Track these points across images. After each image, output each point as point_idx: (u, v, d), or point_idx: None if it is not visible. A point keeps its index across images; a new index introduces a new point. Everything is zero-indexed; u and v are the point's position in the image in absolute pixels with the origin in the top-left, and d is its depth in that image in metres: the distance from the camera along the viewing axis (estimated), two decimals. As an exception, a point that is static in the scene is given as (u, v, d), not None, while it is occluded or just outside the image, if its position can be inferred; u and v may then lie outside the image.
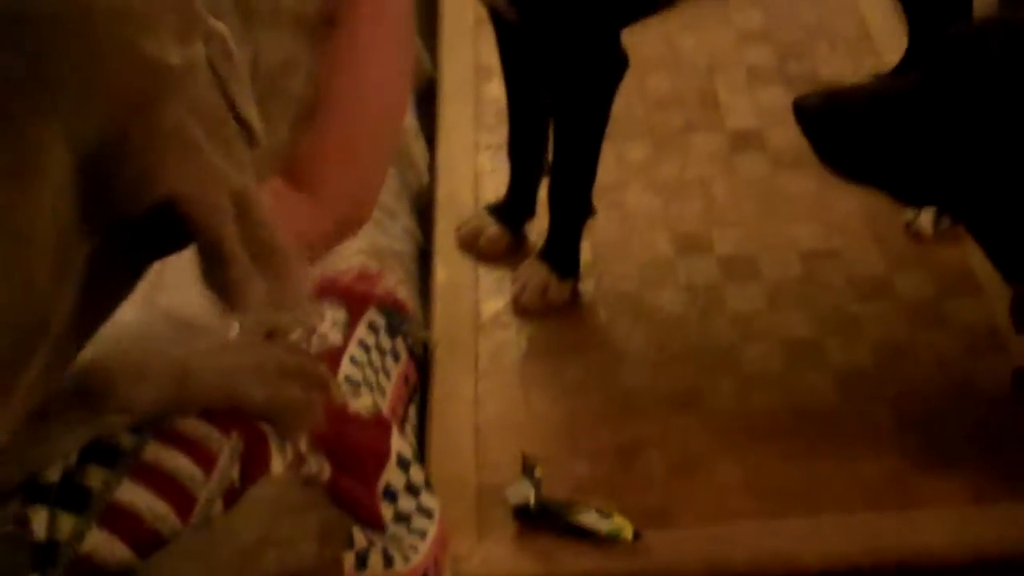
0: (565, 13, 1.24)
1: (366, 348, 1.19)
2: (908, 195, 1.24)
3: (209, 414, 0.87)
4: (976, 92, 1.06)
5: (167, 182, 0.52)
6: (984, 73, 1.08)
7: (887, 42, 1.79)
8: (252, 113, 0.60)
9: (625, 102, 1.47)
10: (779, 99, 1.73)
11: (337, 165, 0.87)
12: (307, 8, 0.68)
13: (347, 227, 0.92)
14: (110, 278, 0.57)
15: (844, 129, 1.21)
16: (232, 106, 0.58)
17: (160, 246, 0.57)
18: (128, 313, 0.64)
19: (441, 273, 1.53)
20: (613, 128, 1.42)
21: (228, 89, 0.58)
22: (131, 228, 0.53)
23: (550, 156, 1.45)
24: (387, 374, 1.22)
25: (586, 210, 1.44)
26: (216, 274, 0.53)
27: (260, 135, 0.60)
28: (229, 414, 0.88)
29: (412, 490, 1.03)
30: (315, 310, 1.10)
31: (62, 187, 0.51)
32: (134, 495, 0.82)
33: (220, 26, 0.58)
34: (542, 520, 1.17)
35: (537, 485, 1.17)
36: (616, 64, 1.32)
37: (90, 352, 0.63)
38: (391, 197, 1.53)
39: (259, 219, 0.56)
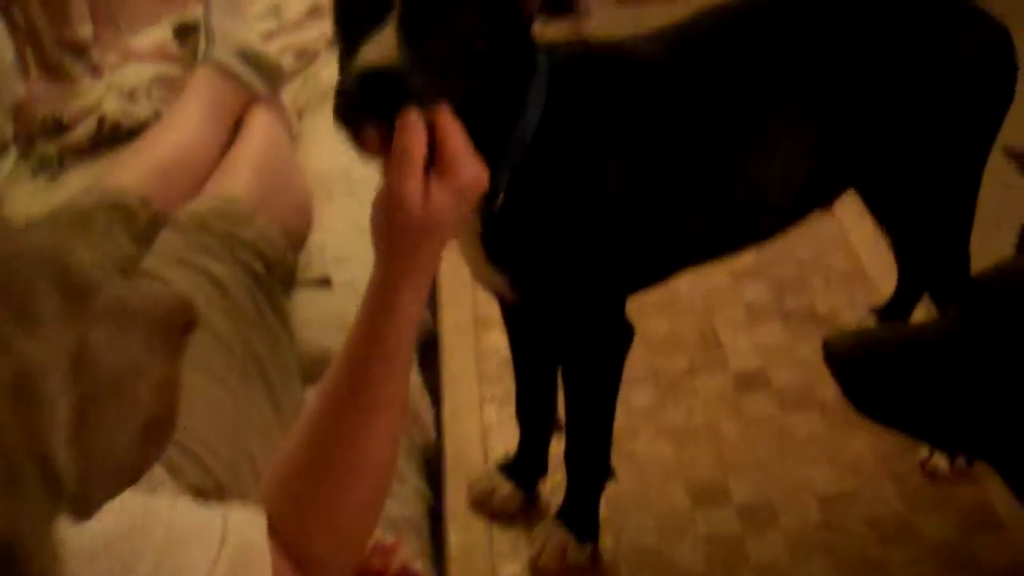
0: (568, 293, 1.25)
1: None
2: (942, 441, 1.22)
3: None
4: (1013, 340, 1.05)
5: None
6: (1004, 319, 1.07)
7: (880, 275, 1.82)
8: (60, 456, 0.54)
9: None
10: (779, 336, 1.76)
11: (323, 536, 0.86)
12: (165, 314, 0.65)
13: None
14: None
15: (878, 374, 1.19)
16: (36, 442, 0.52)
17: None
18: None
19: (454, 537, 1.50)
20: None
21: (32, 420, 0.52)
22: None
23: (559, 413, 1.45)
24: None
25: (605, 472, 1.42)
26: None
27: (69, 481, 0.54)
28: None
29: None
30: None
31: None
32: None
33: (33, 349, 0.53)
34: None
35: None
36: (622, 335, 1.33)
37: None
38: (400, 459, 1.51)
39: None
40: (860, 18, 1.29)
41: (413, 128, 0.91)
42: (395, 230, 0.92)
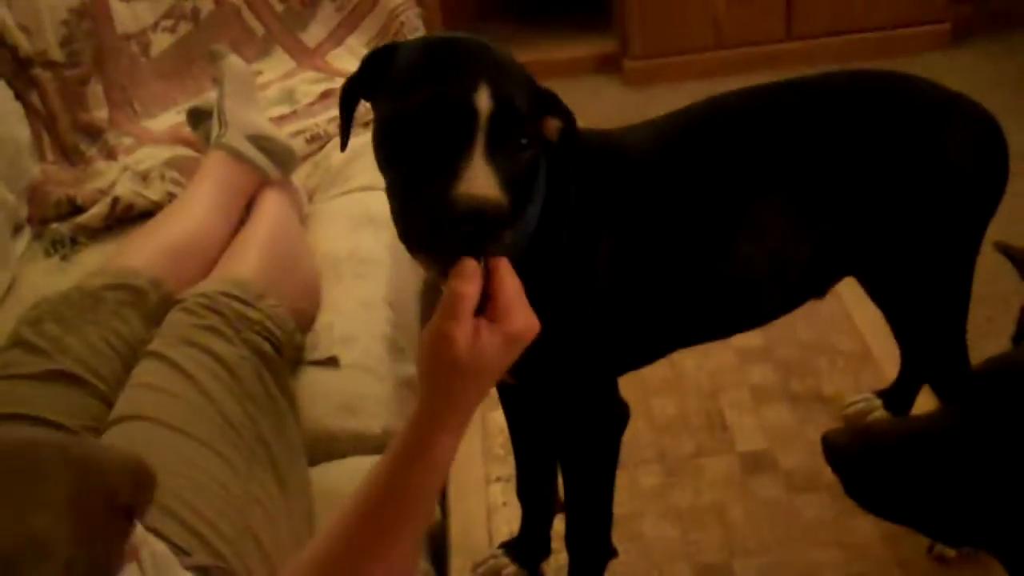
0: (561, 375, 1.26)
1: None
2: (943, 535, 1.22)
3: None
4: (1008, 435, 1.05)
5: None
6: (1003, 418, 1.07)
7: (885, 356, 1.83)
8: None
9: (633, 427, 1.47)
10: (785, 418, 1.76)
11: None
12: (88, 496, 0.65)
13: None
14: None
15: (878, 470, 1.19)
16: None
17: None
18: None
19: (459, 618, 1.49)
20: (623, 454, 1.42)
21: None
22: None
23: (561, 493, 1.44)
24: None
25: (606, 552, 1.41)
26: None
27: None
28: None
29: None
30: None
31: None
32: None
33: None
34: None
35: None
36: (617, 416, 1.33)
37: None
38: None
39: None
40: (849, 111, 1.31)
41: (476, 274, 0.94)
42: (440, 370, 0.95)
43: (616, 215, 1.24)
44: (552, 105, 1.08)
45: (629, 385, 1.33)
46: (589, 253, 1.22)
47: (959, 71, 3.31)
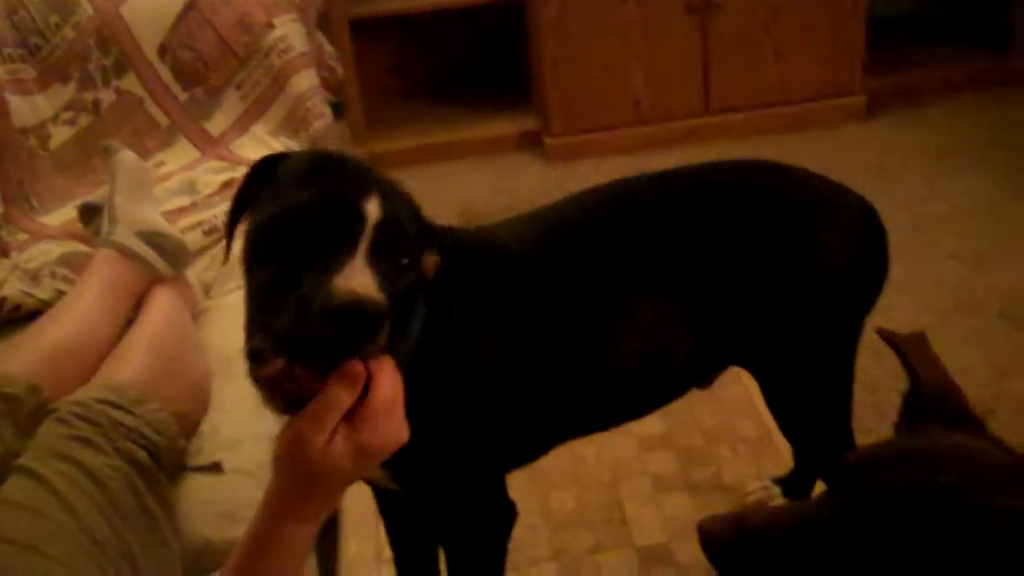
0: (446, 479, 1.24)
1: None
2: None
3: None
4: (874, 528, 1.03)
5: None
6: (878, 509, 1.06)
7: (787, 443, 1.80)
8: None
9: (528, 522, 1.45)
10: (685, 508, 1.73)
11: None
12: None
13: None
14: None
15: (753, 560, 1.17)
16: None
17: None
18: None
19: None
20: (517, 554, 1.39)
21: None
22: None
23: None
24: None
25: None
26: None
27: None
28: None
29: None
30: None
31: None
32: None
33: None
34: None
35: None
36: (504, 515, 1.31)
37: None
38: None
39: None
40: (726, 204, 1.32)
41: (354, 381, 0.90)
42: (292, 467, 0.94)
43: (496, 314, 1.23)
44: (433, 240, 1.07)
45: (527, 479, 1.30)
46: (471, 355, 1.21)
47: (875, 141, 3.37)
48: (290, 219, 0.94)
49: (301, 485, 0.95)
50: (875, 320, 1.73)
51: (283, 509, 0.96)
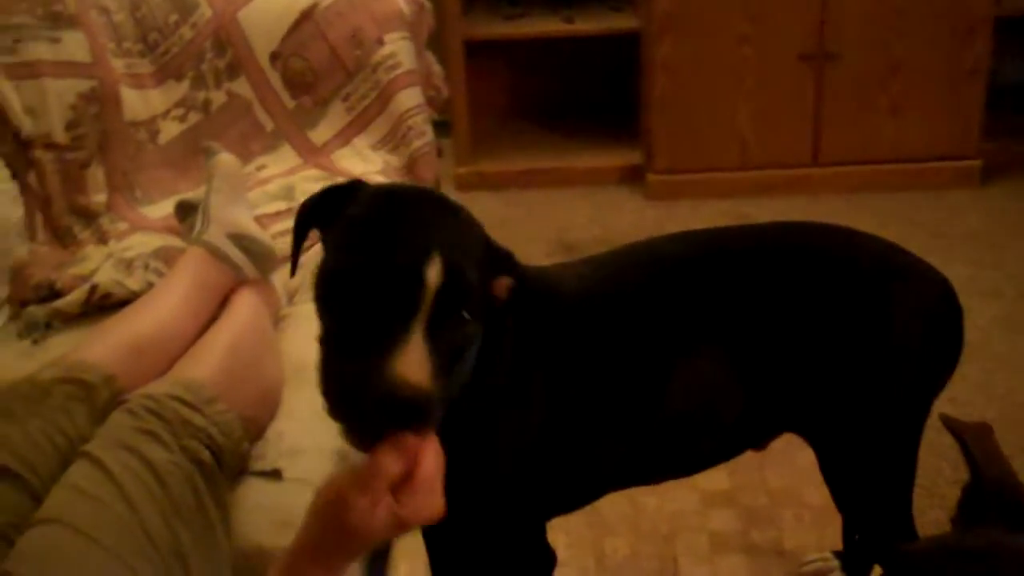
0: (490, 519, 1.23)
1: None
2: None
3: None
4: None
5: None
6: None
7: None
8: None
9: (582, 564, 1.43)
10: (740, 571, 1.69)
11: None
12: None
13: None
14: None
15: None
16: None
17: None
18: None
19: None
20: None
21: None
22: None
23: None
24: None
25: None
26: None
27: None
28: None
29: None
30: None
31: None
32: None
33: None
34: None
35: None
36: (544, 561, 1.29)
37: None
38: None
39: None
40: (795, 267, 1.28)
41: (406, 455, 0.95)
42: (327, 521, 0.97)
43: (550, 357, 1.22)
44: (505, 265, 1.07)
45: (584, 521, 1.29)
46: (523, 395, 1.20)
47: (985, 211, 3.27)
48: (352, 278, 0.95)
49: (334, 538, 0.97)
50: (989, 391, 1.67)
51: (311, 554, 0.99)
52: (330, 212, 1.05)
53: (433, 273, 0.94)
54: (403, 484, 0.96)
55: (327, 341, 1.01)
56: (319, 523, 0.99)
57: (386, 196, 1.03)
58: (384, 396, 0.89)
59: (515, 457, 1.20)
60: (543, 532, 1.28)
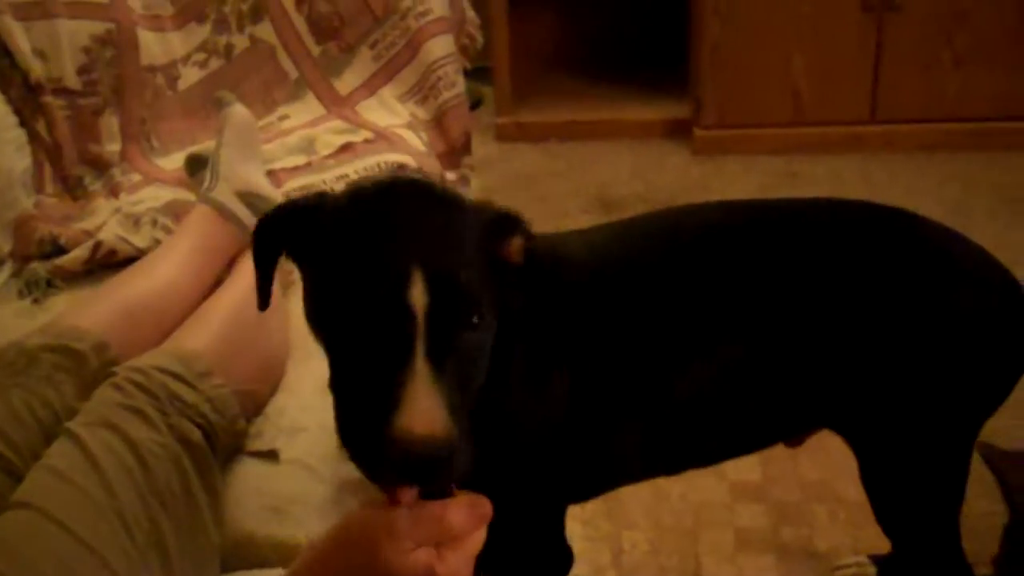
0: (506, 513, 1.14)
1: None
2: None
3: None
4: None
5: None
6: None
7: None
8: None
9: (597, 563, 1.34)
10: (767, 572, 1.58)
11: None
12: None
13: None
14: None
15: None
16: None
17: None
18: None
19: None
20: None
21: None
22: None
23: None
24: None
25: None
26: None
27: None
28: None
29: None
30: None
31: None
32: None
33: None
34: None
35: None
36: (561, 561, 1.21)
37: None
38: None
39: None
40: (841, 251, 1.16)
41: (483, 520, 0.91)
42: (356, 557, 0.88)
43: (569, 337, 1.12)
44: (512, 225, 0.96)
45: (603, 511, 1.20)
46: (543, 379, 1.11)
47: (1051, 176, 3.09)
48: (338, 322, 0.87)
49: (343, 565, 0.90)
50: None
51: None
52: (296, 232, 0.94)
53: (417, 295, 0.82)
54: (453, 540, 0.89)
55: (335, 386, 0.91)
56: (343, 552, 0.90)
57: (352, 208, 0.91)
58: (398, 459, 0.79)
59: (534, 443, 1.12)
60: (562, 527, 1.20)
